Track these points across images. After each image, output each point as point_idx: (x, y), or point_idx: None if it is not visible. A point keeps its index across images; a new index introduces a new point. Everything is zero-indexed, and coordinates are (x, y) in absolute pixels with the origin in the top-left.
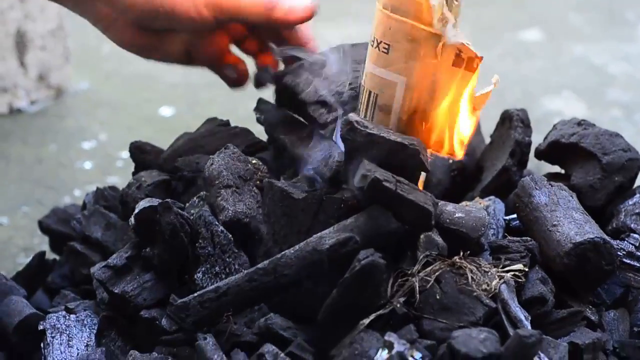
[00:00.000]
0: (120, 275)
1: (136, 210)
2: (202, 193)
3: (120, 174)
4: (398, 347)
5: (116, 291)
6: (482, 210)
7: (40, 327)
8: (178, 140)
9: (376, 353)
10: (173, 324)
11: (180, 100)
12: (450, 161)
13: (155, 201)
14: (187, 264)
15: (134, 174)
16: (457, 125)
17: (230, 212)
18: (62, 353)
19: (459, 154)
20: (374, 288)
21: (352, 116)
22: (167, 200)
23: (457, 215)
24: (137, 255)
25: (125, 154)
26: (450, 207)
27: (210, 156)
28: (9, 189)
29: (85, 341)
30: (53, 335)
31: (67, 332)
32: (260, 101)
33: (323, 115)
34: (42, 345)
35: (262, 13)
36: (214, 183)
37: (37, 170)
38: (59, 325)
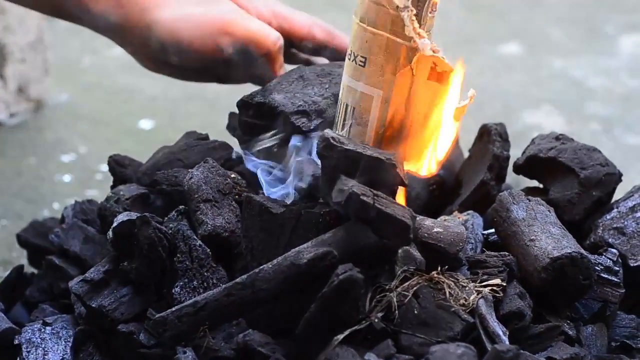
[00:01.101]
0: (97, 290)
1: (114, 224)
2: (180, 207)
3: (99, 187)
4: None
5: (93, 305)
6: (460, 226)
7: (16, 342)
8: (157, 153)
9: None
10: (151, 338)
11: (160, 113)
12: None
13: (133, 215)
14: (165, 279)
15: (112, 187)
16: (433, 139)
17: (209, 226)
18: None
19: (433, 169)
20: (352, 303)
21: (328, 132)
22: (145, 214)
23: (435, 230)
24: (114, 269)
25: (105, 167)
26: (428, 222)
27: (189, 170)
28: None
29: (61, 354)
30: (28, 349)
31: (43, 346)
32: (232, 116)
33: (305, 123)
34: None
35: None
36: (193, 197)
37: (16, 183)
38: (35, 339)
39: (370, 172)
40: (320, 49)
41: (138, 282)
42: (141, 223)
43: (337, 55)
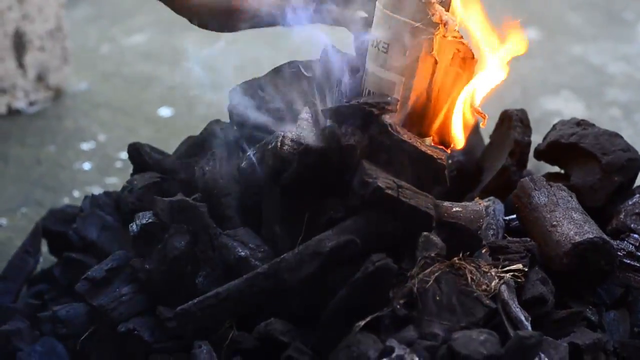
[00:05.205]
0: (99, 288)
1: (144, 220)
2: (196, 195)
3: (119, 174)
4: (398, 351)
5: (94, 304)
6: (478, 204)
7: None
8: (182, 145)
9: (375, 355)
10: (155, 335)
11: (179, 101)
12: (450, 161)
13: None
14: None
15: (132, 175)
16: (456, 120)
17: (236, 220)
18: None
19: (459, 144)
20: (383, 291)
21: (387, 118)
22: (182, 225)
23: (454, 209)
24: (118, 268)
25: (124, 154)
26: (446, 203)
27: (199, 164)
28: (7, 190)
29: None
30: None
31: None
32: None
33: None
34: None
35: None
36: (213, 192)
37: (36, 171)
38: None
39: (417, 167)
40: None
41: (145, 284)
42: (175, 232)
43: None
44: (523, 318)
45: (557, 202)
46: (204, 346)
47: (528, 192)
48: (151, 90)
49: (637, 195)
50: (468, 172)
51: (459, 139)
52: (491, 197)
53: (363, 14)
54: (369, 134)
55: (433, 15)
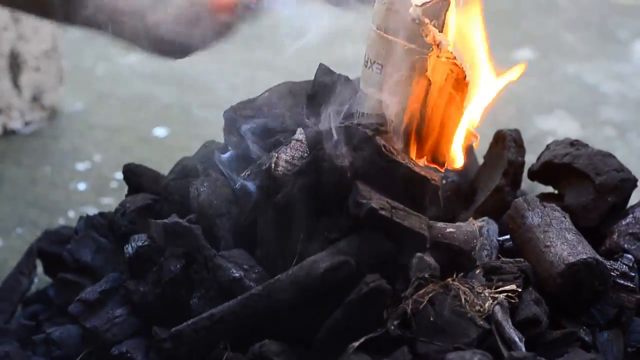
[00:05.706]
0: (92, 310)
1: (139, 243)
2: (191, 216)
3: (114, 195)
4: None
5: (87, 326)
6: (471, 225)
7: None
8: (176, 166)
9: None
10: (149, 357)
11: (174, 120)
12: (443, 181)
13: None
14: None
15: (127, 196)
16: (456, 140)
17: (230, 241)
18: None
19: (459, 164)
20: (377, 312)
21: (379, 139)
22: (177, 248)
23: (448, 230)
24: (111, 290)
25: (120, 175)
26: (440, 223)
27: (193, 185)
28: (2, 211)
29: None
30: None
31: None
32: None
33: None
34: None
35: None
36: (207, 213)
37: (31, 191)
38: None
39: (411, 187)
40: None
41: (139, 306)
42: (170, 255)
43: None
44: (517, 339)
45: (550, 223)
46: None
47: (521, 212)
48: (147, 110)
49: (631, 215)
50: (462, 193)
51: (458, 159)
52: (485, 218)
53: None
54: (363, 155)
55: (427, 36)
